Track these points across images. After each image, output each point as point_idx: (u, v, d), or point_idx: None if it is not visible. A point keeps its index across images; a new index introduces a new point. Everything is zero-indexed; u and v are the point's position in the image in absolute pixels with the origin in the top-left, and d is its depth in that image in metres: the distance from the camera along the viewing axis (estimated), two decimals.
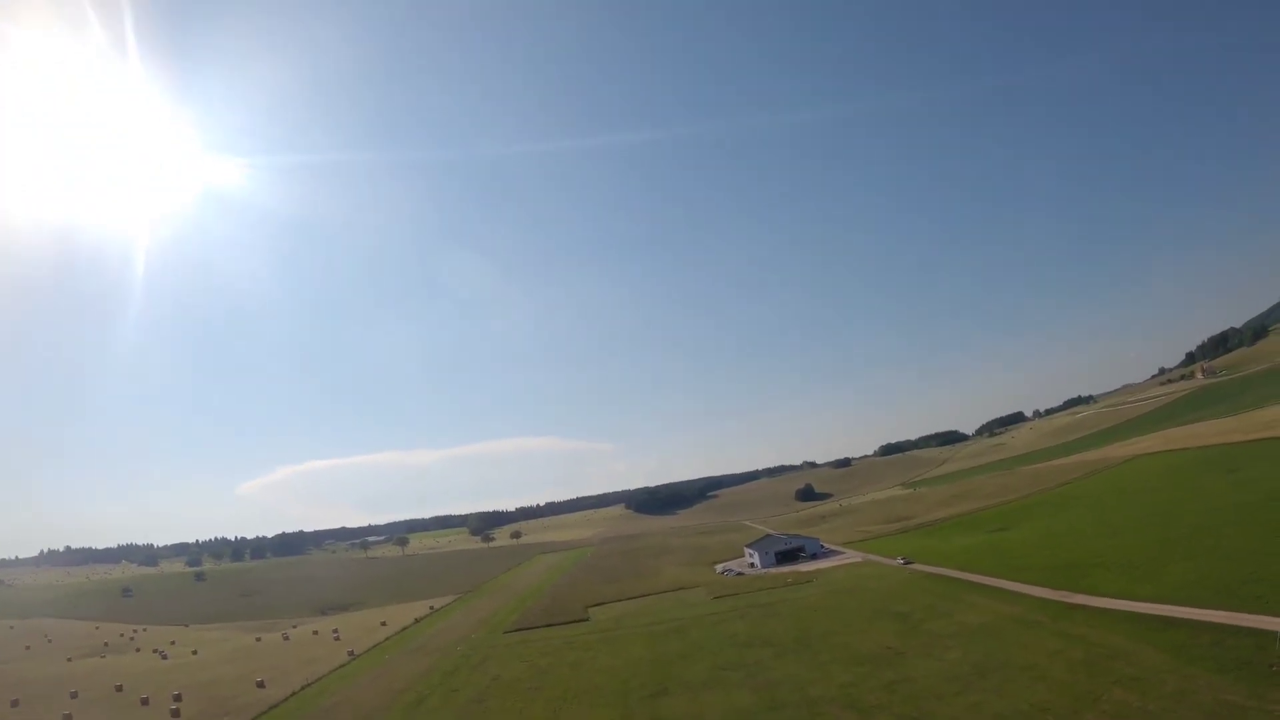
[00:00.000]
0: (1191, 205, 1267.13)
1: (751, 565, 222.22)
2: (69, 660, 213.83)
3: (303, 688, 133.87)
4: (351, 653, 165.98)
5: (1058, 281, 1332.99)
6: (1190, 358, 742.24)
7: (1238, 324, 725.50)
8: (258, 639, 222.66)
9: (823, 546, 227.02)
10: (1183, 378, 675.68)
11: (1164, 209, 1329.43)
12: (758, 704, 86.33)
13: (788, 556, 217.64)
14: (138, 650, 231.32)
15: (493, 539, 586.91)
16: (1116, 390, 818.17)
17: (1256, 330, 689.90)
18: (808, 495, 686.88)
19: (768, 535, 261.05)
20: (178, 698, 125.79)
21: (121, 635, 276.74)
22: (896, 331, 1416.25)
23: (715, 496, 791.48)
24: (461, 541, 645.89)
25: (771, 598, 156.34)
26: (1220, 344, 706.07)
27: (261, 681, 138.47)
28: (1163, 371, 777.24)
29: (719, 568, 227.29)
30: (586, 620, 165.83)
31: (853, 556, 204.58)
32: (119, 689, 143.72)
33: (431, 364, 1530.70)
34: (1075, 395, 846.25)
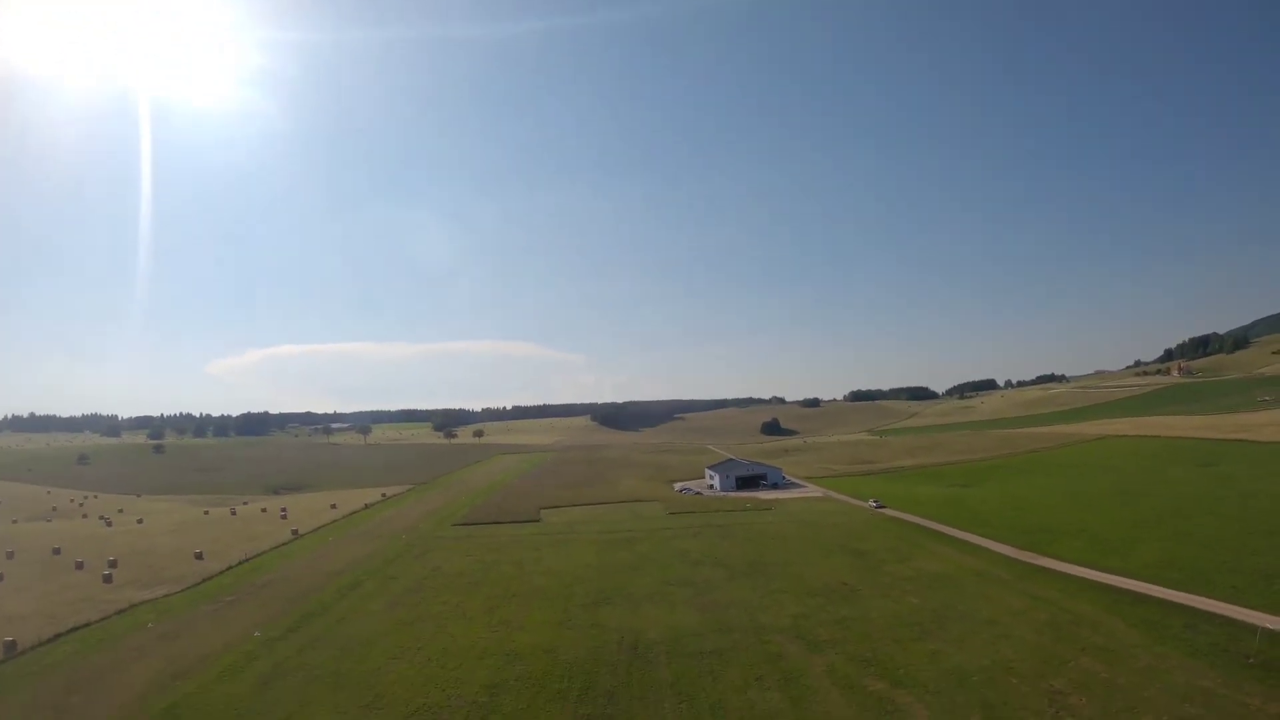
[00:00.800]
0: (1190, 208, 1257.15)
1: (711, 487, 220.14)
2: (14, 522, 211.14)
3: (240, 562, 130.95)
4: (295, 532, 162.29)
5: (1044, 259, 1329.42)
6: (1169, 354, 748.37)
7: (1220, 330, 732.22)
8: (205, 512, 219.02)
9: (785, 478, 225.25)
10: (1159, 372, 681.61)
11: (1162, 206, 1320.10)
12: (703, 624, 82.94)
13: (749, 483, 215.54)
14: (85, 516, 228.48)
15: (455, 435, 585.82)
16: (1089, 374, 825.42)
17: (1238, 339, 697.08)
18: (773, 430, 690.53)
19: (730, 459, 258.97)
20: (113, 563, 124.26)
21: (71, 501, 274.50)
22: (876, 282, 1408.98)
23: (681, 419, 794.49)
24: (424, 436, 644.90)
25: (728, 520, 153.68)
26: (1200, 346, 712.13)
27: (200, 553, 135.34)
28: (1138, 364, 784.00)
29: (678, 486, 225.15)
30: (538, 521, 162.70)
31: (814, 491, 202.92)
32: (56, 551, 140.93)
33: (413, 260, 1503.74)
34: (1048, 372, 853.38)
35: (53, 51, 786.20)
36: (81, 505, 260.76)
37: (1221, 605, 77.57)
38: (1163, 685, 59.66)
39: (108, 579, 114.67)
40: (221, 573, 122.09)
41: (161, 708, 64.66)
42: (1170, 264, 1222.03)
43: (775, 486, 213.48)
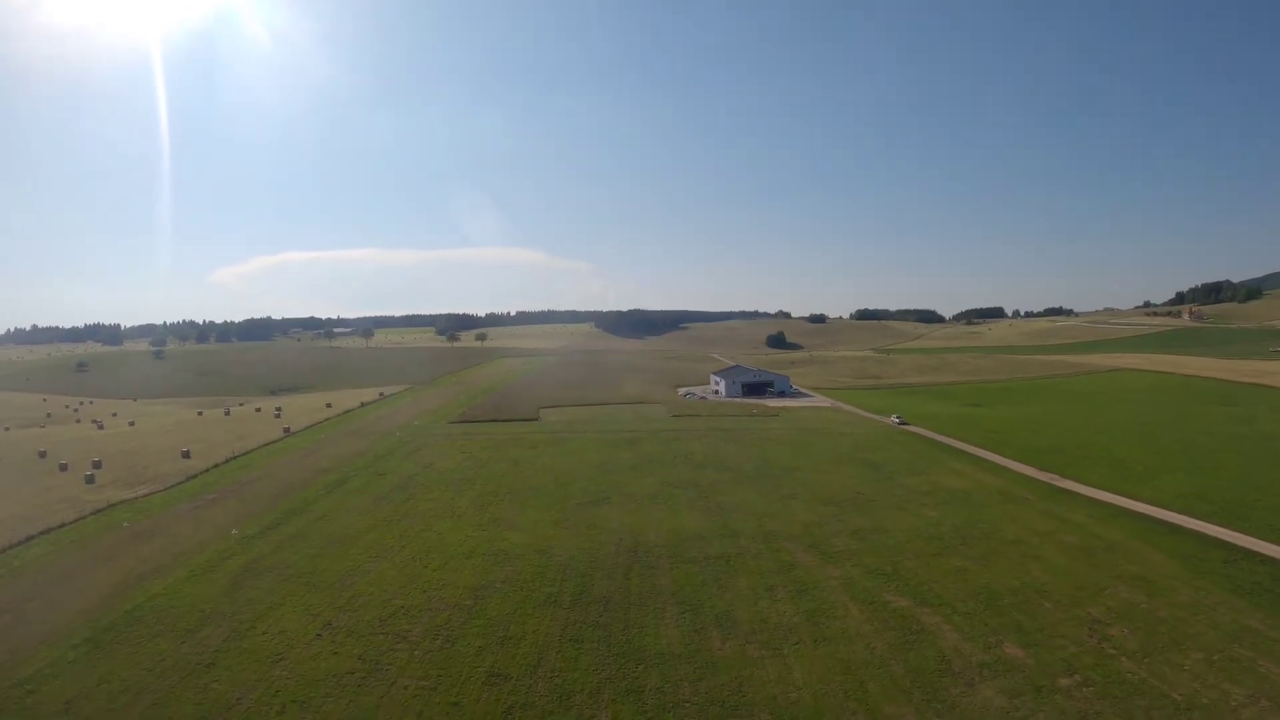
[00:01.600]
0: (1214, 150, 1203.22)
1: (716, 392, 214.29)
2: (5, 429, 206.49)
3: (226, 460, 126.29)
4: (287, 430, 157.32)
5: (1059, 188, 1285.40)
6: (1180, 298, 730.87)
7: (1234, 279, 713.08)
8: (199, 413, 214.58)
9: (792, 387, 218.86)
10: (1169, 314, 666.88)
11: (1184, 147, 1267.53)
12: (708, 528, 77.06)
13: (755, 389, 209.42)
14: (78, 421, 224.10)
15: (458, 339, 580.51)
16: (1098, 311, 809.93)
17: (1251, 289, 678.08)
18: (779, 343, 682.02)
19: (737, 365, 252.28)
20: (97, 464, 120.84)
21: (67, 407, 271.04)
22: (886, 202, 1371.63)
23: (686, 329, 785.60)
24: (427, 340, 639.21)
25: (734, 424, 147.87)
26: (1212, 292, 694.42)
27: (187, 452, 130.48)
28: (1148, 304, 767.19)
29: (681, 391, 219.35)
30: (536, 420, 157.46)
31: (822, 401, 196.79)
32: (42, 455, 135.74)
33: (418, 166, 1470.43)
34: (1055, 305, 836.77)
35: None
36: (76, 411, 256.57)
37: (1260, 543, 70.26)
38: (1208, 621, 53.20)
39: (90, 480, 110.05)
40: (206, 471, 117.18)
41: (125, 610, 59.11)
42: (1188, 206, 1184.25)
43: (782, 395, 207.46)
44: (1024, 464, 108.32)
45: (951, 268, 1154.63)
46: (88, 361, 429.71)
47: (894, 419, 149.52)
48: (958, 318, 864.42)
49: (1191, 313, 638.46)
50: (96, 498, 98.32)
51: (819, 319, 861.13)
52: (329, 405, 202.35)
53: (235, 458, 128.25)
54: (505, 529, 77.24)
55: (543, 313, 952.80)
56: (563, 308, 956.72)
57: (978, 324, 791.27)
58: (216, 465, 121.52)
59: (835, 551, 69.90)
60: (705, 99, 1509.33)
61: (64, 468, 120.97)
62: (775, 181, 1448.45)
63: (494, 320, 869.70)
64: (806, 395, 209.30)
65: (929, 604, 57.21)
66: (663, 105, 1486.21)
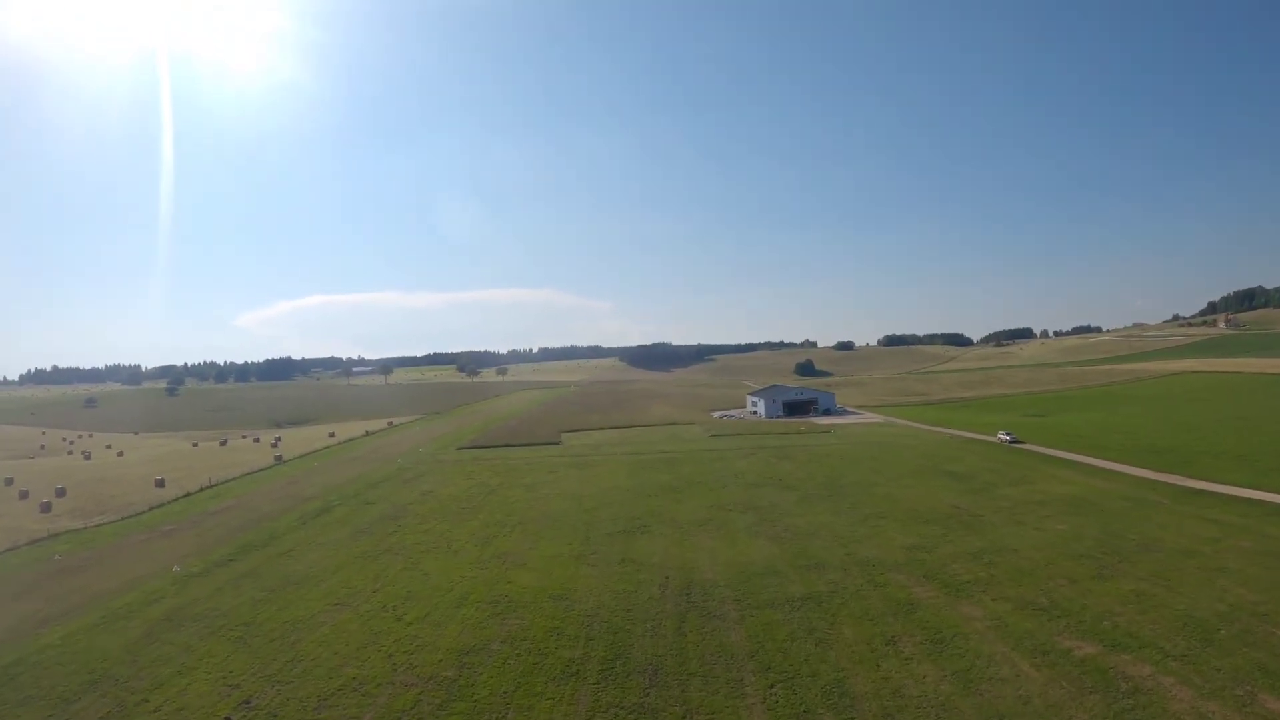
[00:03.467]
0: (1232, 157, 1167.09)
1: (754, 413, 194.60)
2: None
3: (200, 489, 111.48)
4: (279, 458, 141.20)
5: (1077, 209, 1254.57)
6: (1212, 307, 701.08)
7: (1267, 286, 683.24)
8: (194, 444, 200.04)
9: (837, 404, 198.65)
10: (1203, 324, 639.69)
11: (1203, 158, 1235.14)
12: (781, 559, 58.04)
13: (797, 408, 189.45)
14: (69, 453, 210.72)
15: (478, 374, 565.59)
16: (1128, 326, 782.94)
17: None
18: (808, 370, 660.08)
19: (775, 385, 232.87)
20: (60, 492, 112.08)
21: (65, 440, 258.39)
22: (907, 230, 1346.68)
23: (712, 360, 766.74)
24: (447, 376, 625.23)
25: (783, 441, 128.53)
26: (1245, 299, 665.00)
27: (161, 481, 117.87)
28: (1176, 318, 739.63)
29: (716, 414, 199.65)
30: (557, 444, 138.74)
31: (872, 417, 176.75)
32: (8, 482, 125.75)
33: (437, 210, 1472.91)
34: (1083, 324, 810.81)
35: (75, 9, 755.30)
36: (72, 444, 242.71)
37: None
38: None
39: (45, 508, 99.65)
40: (174, 500, 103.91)
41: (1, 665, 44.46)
42: (1212, 215, 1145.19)
43: (828, 413, 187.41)
44: (1133, 466, 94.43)
45: (975, 292, 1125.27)
46: (97, 398, 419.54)
47: (1003, 436, 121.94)
48: (986, 340, 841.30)
49: (1227, 320, 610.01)
50: (41, 527, 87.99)
51: (846, 346, 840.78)
52: (332, 435, 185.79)
53: (211, 486, 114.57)
54: (512, 567, 58.60)
55: (565, 348, 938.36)
56: (584, 343, 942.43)
57: (1007, 345, 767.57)
58: (188, 494, 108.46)
59: (961, 582, 51.54)
60: (721, 131, 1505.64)
61: (24, 495, 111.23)
62: (795, 213, 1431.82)
63: (516, 357, 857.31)
64: (853, 412, 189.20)
65: (1125, 647, 40.05)
66: (679, 140, 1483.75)
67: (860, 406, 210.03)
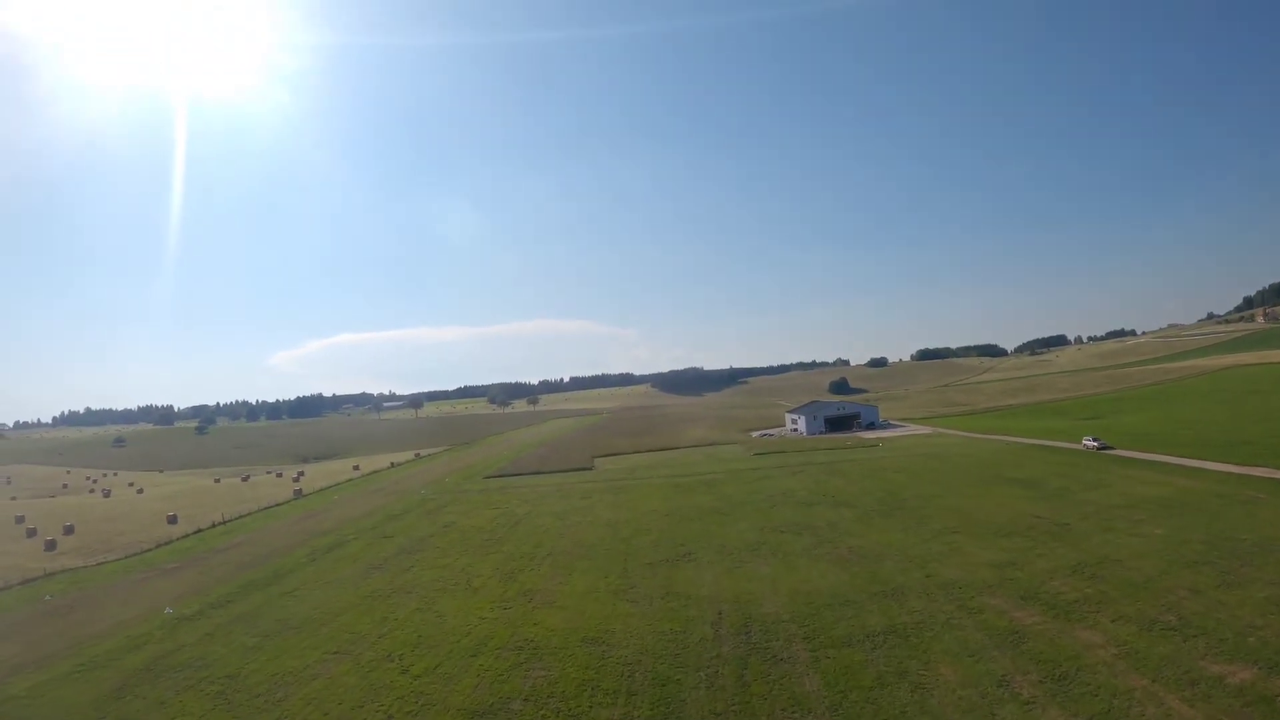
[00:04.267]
0: (1260, 150, 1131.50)
1: (794, 430, 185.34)
2: (12, 499, 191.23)
3: (212, 525, 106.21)
4: (298, 492, 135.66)
5: (1104, 213, 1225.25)
6: (1248, 303, 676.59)
7: None
8: (216, 481, 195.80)
9: (880, 418, 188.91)
10: (1241, 319, 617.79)
11: (1231, 152, 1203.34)
12: (850, 585, 49.70)
13: (840, 424, 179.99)
14: (91, 491, 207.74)
15: (509, 405, 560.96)
16: (1163, 328, 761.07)
17: None
18: (842, 389, 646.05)
19: (815, 401, 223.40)
20: (68, 530, 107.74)
21: (88, 479, 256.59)
22: (933, 244, 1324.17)
23: (744, 383, 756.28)
24: (479, 408, 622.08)
25: (831, 457, 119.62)
26: None
27: (174, 517, 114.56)
28: (1211, 316, 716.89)
29: (754, 434, 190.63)
30: (590, 470, 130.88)
31: (920, 429, 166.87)
32: (19, 519, 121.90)
33: (462, 244, 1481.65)
34: (1116, 328, 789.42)
35: (89, 52, 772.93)
36: (95, 482, 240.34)
37: None
38: None
39: (50, 546, 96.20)
40: (184, 537, 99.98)
41: None
42: (1241, 208, 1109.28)
43: (871, 426, 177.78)
44: (1213, 461, 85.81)
45: (1004, 301, 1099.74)
46: (126, 438, 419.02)
47: (1089, 442, 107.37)
48: (1020, 349, 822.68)
49: (1266, 314, 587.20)
50: (40, 565, 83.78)
51: (880, 362, 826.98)
52: (356, 468, 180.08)
53: (224, 522, 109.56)
54: (539, 606, 50.79)
55: (596, 377, 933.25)
56: (616, 373, 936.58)
57: (1042, 353, 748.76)
58: (199, 530, 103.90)
59: (1067, 602, 43.31)
60: (742, 156, 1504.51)
61: (31, 533, 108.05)
62: (823, 235, 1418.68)
63: (547, 387, 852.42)
64: (898, 425, 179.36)
65: None
66: (699, 165, 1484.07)
67: (904, 419, 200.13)
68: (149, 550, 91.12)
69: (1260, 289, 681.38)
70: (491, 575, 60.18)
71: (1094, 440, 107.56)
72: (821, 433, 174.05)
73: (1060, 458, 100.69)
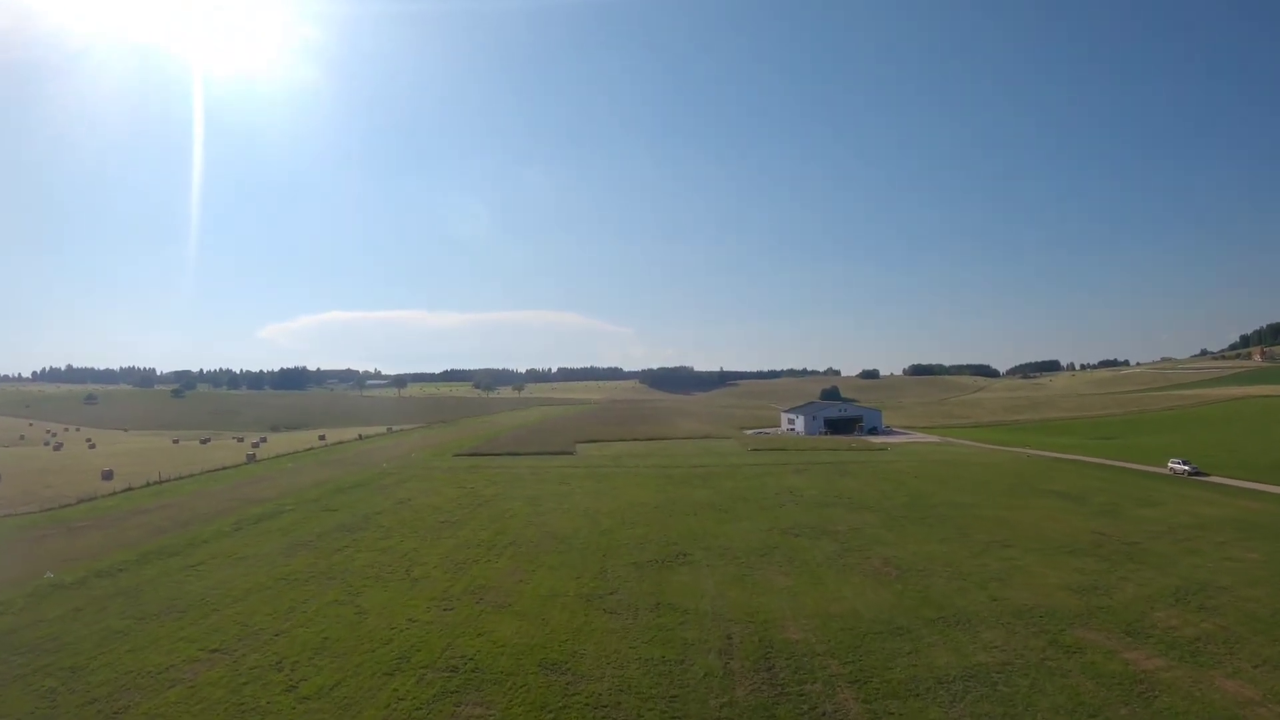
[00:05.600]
0: (1259, 188, 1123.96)
1: (791, 430, 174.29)
2: None
3: (145, 485, 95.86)
4: (251, 457, 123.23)
5: (1099, 243, 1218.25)
6: (1244, 341, 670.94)
7: None
8: (174, 441, 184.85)
9: (883, 424, 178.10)
10: (1237, 357, 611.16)
11: (1233, 189, 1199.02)
12: (898, 605, 38.70)
13: (841, 426, 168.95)
14: (46, 445, 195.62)
15: (494, 390, 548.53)
16: (1157, 361, 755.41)
17: None
18: (833, 397, 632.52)
19: (814, 402, 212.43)
20: None
21: (49, 432, 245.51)
22: (925, 261, 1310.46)
23: (735, 385, 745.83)
24: (463, 392, 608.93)
25: (837, 458, 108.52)
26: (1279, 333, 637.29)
27: (110, 473, 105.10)
28: (1205, 353, 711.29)
29: (749, 432, 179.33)
30: (571, 454, 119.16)
31: (926, 438, 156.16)
32: None
33: (460, 229, 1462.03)
34: (1109, 358, 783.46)
35: (104, 20, 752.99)
36: (55, 436, 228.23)
37: None
38: None
39: None
40: (112, 495, 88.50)
41: None
42: (1238, 247, 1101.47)
43: (874, 431, 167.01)
44: (1270, 484, 79.11)
45: (996, 325, 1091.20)
46: (99, 396, 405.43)
47: (1178, 465, 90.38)
48: (1012, 372, 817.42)
49: (1264, 354, 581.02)
50: None
51: (872, 374, 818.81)
52: (322, 438, 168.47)
53: (160, 482, 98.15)
54: (489, 609, 39.23)
55: (584, 369, 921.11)
56: (605, 366, 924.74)
57: (1035, 377, 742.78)
58: (129, 489, 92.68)
59: (1186, 640, 33.55)
60: (741, 159, 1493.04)
61: None
62: (818, 245, 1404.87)
63: (534, 376, 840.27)
64: (902, 433, 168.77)
65: None
66: (702, 166, 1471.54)
67: (906, 427, 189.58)
68: (70, 505, 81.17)
69: (1257, 328, 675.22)
70: (438, 564, 48.58)
71: (1183, 463, 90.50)
72: (821, 433, 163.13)
73: (1095, 472, 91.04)
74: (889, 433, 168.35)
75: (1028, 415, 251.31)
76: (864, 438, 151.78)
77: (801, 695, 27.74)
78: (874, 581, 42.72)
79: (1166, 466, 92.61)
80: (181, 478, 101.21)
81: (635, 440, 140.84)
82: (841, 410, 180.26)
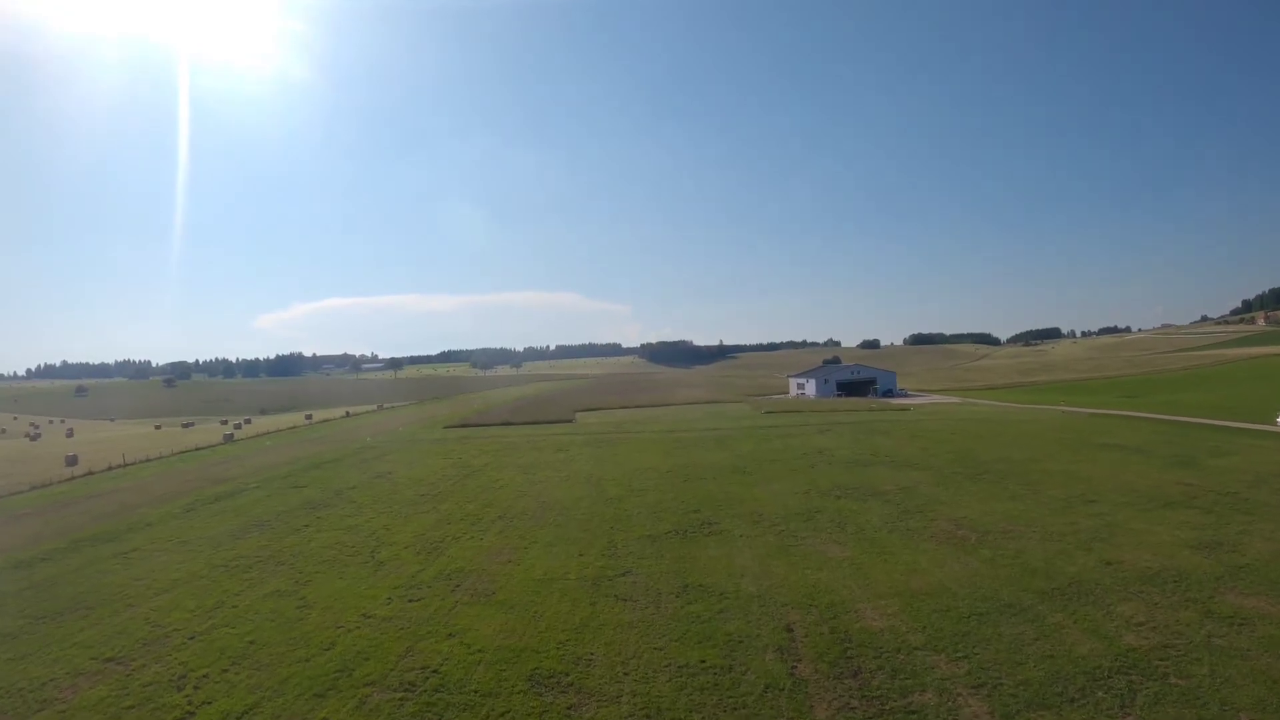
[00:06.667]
0: (1258, 154, 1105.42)
1: (802, 394, 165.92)
2: None
3: (107, 469, 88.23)
4: (228, 437, 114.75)
5: (1100, 208, 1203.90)
6: (1246, 306, 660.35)
7: None
8: (157, 427, 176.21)
9: (898, 386, 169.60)
10: (1240, 322, 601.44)
11: (1230, 155, 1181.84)
12: (995, 576, 30.29)
13: (854, 389, 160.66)
14: (25, 435, 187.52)
15: (492, 369, 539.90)
16: (1158, 327, 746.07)
17: None
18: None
19: (825, 364, 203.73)
20: None
21: (32, 425, 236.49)
22: (924, 232, 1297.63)
23: (735, 358, 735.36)
24: (460, 371, 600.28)
25: (859, 418, 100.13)
26: None
27: (74, 458, 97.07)
28: (1205, 318, 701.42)
29: (757, 397, 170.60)
30: (570, 422, 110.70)
31: (944, 399, 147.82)
32: None
33: (455, 213, 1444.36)
34: (1110, 324, 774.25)
35: (94, 12, 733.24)
36: (35, 428, 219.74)
37: None
38: None
39: None
40: (66, 480, 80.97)
41: None
42: (1241, 213, 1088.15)
43: (889, 394, 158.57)
44: None
45: (995, 294, 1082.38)
46: (89, 388, 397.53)
47: None
48: (1013, 340, 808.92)
49: (1268, 318, 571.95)
50: None
51: (872, 344, 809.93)
52: (308, 417, 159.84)
53: (123, 466, 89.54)
54: (466, 600, 30.60)
55: (583, 346, 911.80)
56: (603, 343, 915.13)
57: (1037, 344, 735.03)
58: (89, 474, 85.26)
59: None
60: (734, 132, 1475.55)
61: None
62: (817, 218, 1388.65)
63: (532, 354, 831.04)
64: (918, 395, 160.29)
65: None
66: (694, 141, 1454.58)
67: (920, 390, 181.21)
68: (20, 494, 73.42)
69: (1260, 293, 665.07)
70: (410, 544, 40.07)
71: None
72: (834, 396, 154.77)
73: (1132, 425, 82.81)
74: (905, 395, 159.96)
75: (1042, 377, 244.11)
76: (881, 399, 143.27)
77: (910, 711, 19.25)
78: (953, 548, 34.26)
79: (1275, 422, 79.46)
80: (148, 460, 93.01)
81: (637, 408, 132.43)
82: (855, 373, 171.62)
